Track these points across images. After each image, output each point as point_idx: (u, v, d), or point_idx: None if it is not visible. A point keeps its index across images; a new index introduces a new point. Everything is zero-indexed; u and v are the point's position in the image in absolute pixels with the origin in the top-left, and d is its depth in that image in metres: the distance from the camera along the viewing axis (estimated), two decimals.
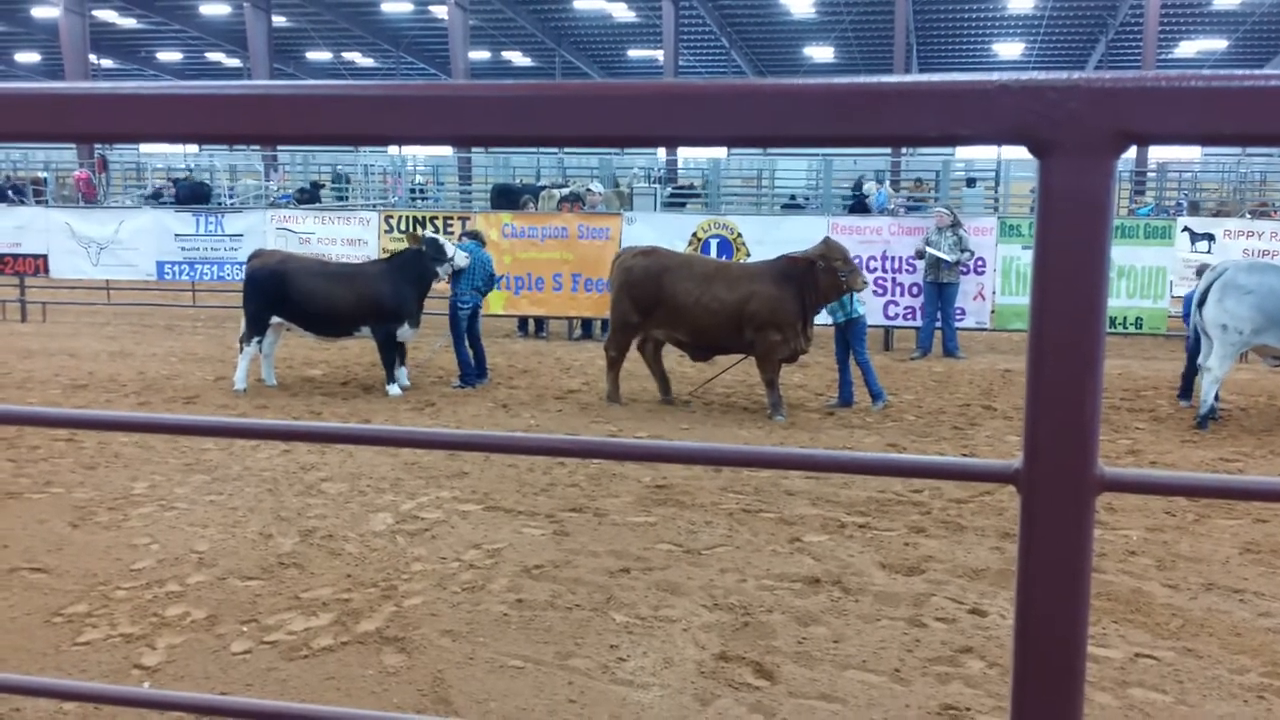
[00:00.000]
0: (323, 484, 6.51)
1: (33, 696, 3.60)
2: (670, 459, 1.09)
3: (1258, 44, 34.68)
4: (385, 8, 35.11)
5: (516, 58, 41.59)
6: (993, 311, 12.35)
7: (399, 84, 0.88)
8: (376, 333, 9.36)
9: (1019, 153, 0.86)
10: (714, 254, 12.58)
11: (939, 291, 11.80)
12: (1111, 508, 6.02)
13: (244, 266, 10.01)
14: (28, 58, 43.88)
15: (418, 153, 32.36)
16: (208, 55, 42.73)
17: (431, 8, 33.92)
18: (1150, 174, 27.73)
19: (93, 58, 32.85)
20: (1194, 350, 8.78)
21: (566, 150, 26.02)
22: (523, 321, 13.45)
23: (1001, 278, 12.31)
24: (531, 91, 0.84)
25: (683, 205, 21.33)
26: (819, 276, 8.38)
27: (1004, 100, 0.78)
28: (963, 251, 11.67)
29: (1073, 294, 0.80)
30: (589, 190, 15.29)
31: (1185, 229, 13.31)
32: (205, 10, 35.15)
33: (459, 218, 13.40)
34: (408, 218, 13.98)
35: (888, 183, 23.72)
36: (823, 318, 8.99)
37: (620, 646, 4.29)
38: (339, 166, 29.39)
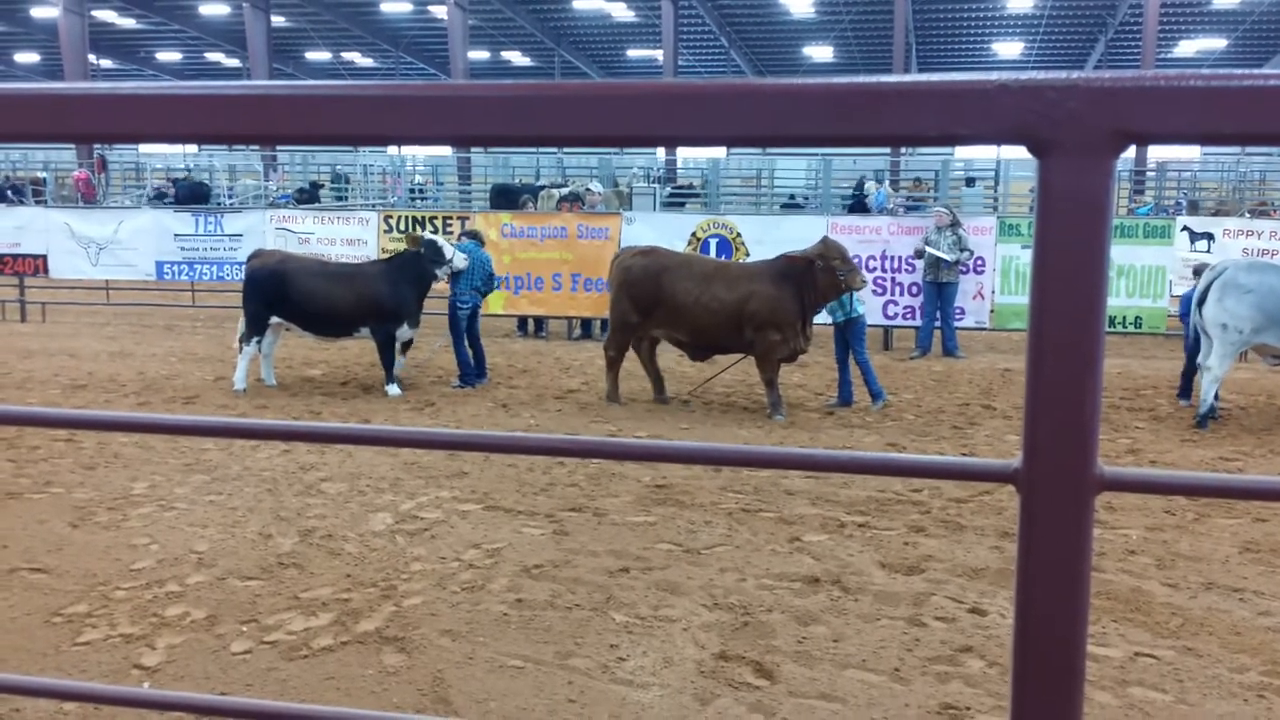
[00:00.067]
0: (322, 484, 6.51)
1: (33, 697, 3.60)
2: (670, 459, 1.09)
3: (1257, 43, 34.68)
4: (385, 8, 35.11)
5: (516, 58, 41.59)
6: (992, 311, 12.36)
7: (398, 84, 0.88)
8: (376, 333, 9.36)
9: (1018, 152, 0.86)
10: (713, 254, 12.58)
11: (938, 291, 11.80)
12: (1111, 507, 6.02)
13: (244, 267, 10.01)
14: (27, 58, 43.87)
15: (417, 153, 32.36)
16: (207, 55, 42.72)
17: (431, 8, 33.92)
18: (1150, 173, 27.73)
19: (92, 58, 32.85)
20: (1193, 350, 8.79)
21: (566, 150, 26.01)
22: (522, 321, 13.45)
23: (1001, 277, 12.31)
24: (531, 91, 0.84)
25: (682, 205, 21.34)
26: (818, 276, 8.38)
27: (1003, 100, 0.78)
28: (962, 251, 11.67)
29: (1072, 293, 0.81)
30: (588, 190, 15.30)
31: (1184, 228, 13.32)
32: (204, 10, 35.14)
33: (458, 218, 13.40)
34: (407, 218, 13.98)
35: (887, 182, 23.73)
36: (823, 317, 9.00)
37: (620, 646, 4.29)
38: (338, 166, 29.39)
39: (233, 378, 9.48)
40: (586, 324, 13.04)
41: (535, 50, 40.15)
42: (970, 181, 24.53)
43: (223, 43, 39.18)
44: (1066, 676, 0.85)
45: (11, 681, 1.52)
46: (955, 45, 37.43)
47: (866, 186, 22.63)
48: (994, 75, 0.78)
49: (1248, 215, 17.28)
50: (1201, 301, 8.19)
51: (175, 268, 15.00)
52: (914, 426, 8.37)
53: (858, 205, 20.86)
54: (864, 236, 12.16)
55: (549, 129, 0.84)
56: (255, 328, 9.32)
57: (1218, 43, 34.57)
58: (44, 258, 15.28)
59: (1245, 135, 0.77)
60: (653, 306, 8.78)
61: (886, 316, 12.24)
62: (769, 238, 12.20)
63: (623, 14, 34.60)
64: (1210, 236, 13.34)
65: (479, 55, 39.29)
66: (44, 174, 27.55)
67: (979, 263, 12.10)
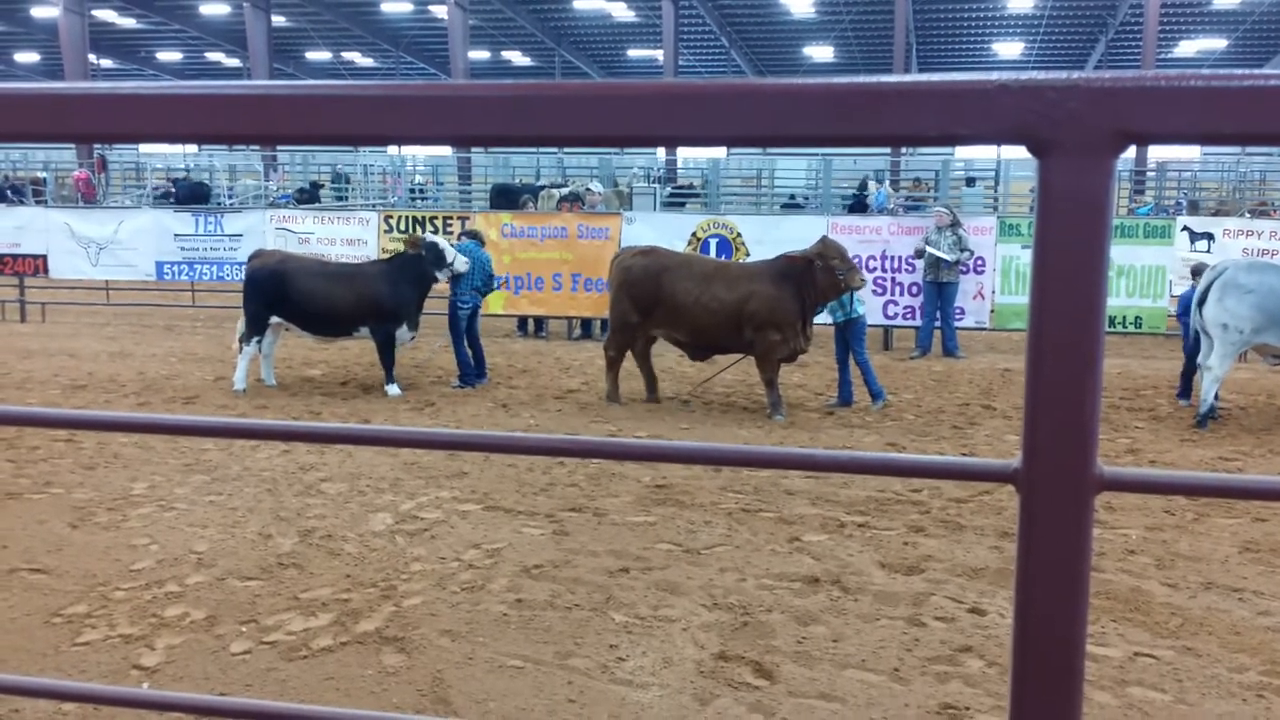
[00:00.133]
0: (322, 484, 6.51)
1: (32, 697, 3.60)
2: (670, 459, 1.09)
3: (1257, 43, 34.69)
4: (385, 7, 35.11)
5: (516, 57, 41.58)
6: (992, 311, 12.36)
7: (399, 84, 0.88)
8: (375, 333, 9.36)
9: (1018, 152, 0.86)
10: (713, 254, 12.58)
11: (938, 291, 11.80)
12: (1111, 507, 6.02)
13: (244, 267, 10.01)
14: (27, 58, 43.87)
15: (417, 152, 32.36)
16: (207, 55, 42.72)
17: (431, 7, 33.92)
18: (1150, 173, 27.74)
19: (92, 58, 32.85)
20: (1192, 350, 8.79)
21: (566, 150, 26.01)
22: (522, 321, 13.45)
23: (1001, 277, 12.31)
24: (531, 91, 0.84)
25: (682, 205, 21.34)
26: (817, 275, 8.38)
27: (1003, 100, 0.78)
28: (962, 251, 11.67)
29: (1072, 293, 0.81)
30: (588, 190, 15.30)
31: (1185, 228, 13.32)
32: (205, 10, 35.14)
33: (458, 218, 13.40)
34: (407, 218, 13.98)
35: (887, 182, 23.72)
36: (823, 317, 9.00)
37: (620, 646, 4.29)
38: (338, 166, 29.38)
39: (233, 378, 9.48)
40: (586, 324, 13.04)
41: (535, 50, 40.15)
42: (970, 181, 24.52)
43: (223, 43, 39.18)
44: (1066, 676, 0.85)
45: (11, 682, 1.52)
46: (955, 45, 37.43)
47: (870, 187, 22.62)
48: (994, 75, 0.78)
49: (1248, 215, 17.29)
50: (1202, 302, 8.20)
51: (175, 268, 15.00)
52: (914, 426, 8.37)
53: (858, 205, 20.86)
54: (864, 236, 12.16)
55: (549, 129, 0.84)
56: (255, 328, 9.32)
57: (1218, 43, 34.57)
58: (44, 258, 15.28)
59: (1245, 135, 0.77)
60: (653, 306, 8.79)
61: (886, 316, 12.24)
62: (769, 238, 12.20)
63: (623, 14, 34.60)
64: (1210, 236, 13.35)
65: (479, 55, 39.29)
66: (44, 174, 27.55)
67: (979, 263, 12.10)
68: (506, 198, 18.02)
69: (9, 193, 23.03)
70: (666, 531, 5.68)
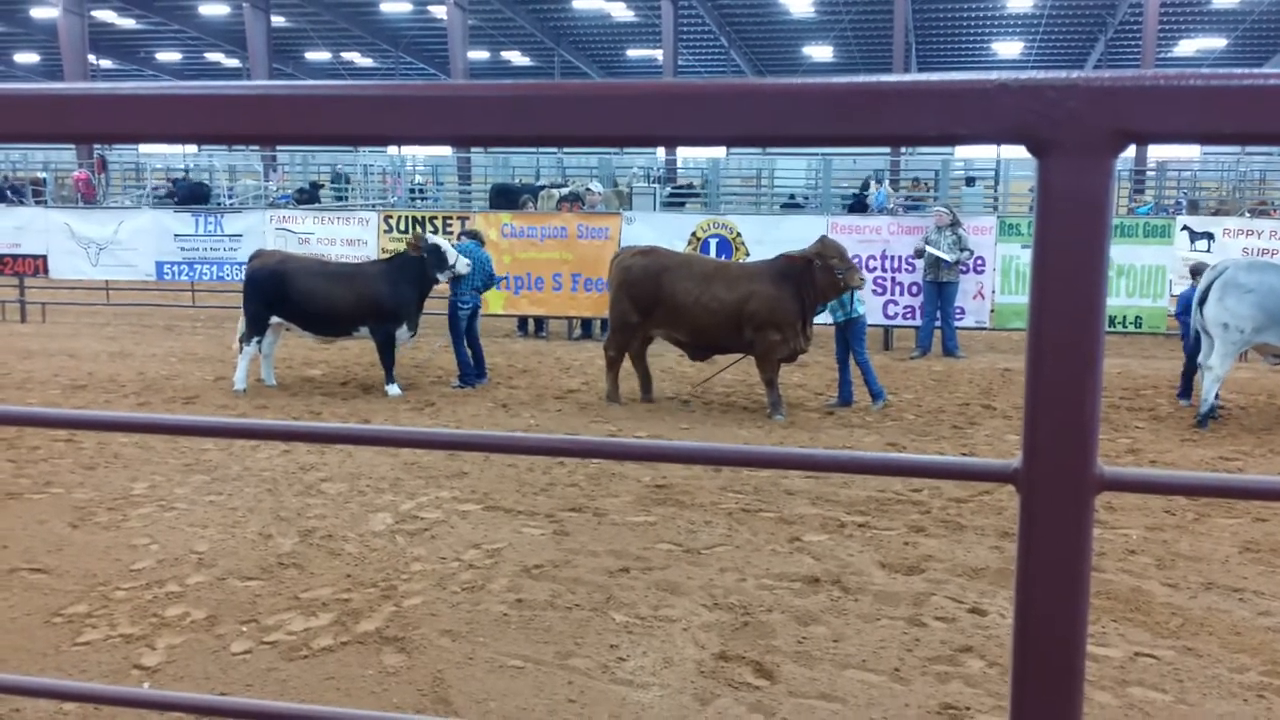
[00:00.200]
0: (322, 484, 6.51)
1: (33, 697, 3.60)
2: (670, 459, 1.09)
3: (1257, 42, 34.69)
4: (384, 8, 35.11)
5: (515, 57, 41.58)
6: (992, 311, 12.36)
7: (398, 84, 0.88)
8: (375, 333, 9.36)
9: (1018, 152, 0.86)
10: (713, 254, 12.58)
11: (938, 291, 11.80)
12: (1111, 507, 6.02)
13: (243, 267, 10.02)
14: (27, 58, 43.87)
15: (417, 153, 32.36)
16: (207, 55, 42.72)
17: (430, 8, 33.92)
18: (1149, 173, 27.73)
19: (92, 58, 32.84)
20: (1193, 350, 8.79)
21: (566, 150, 26.01)
22: (522, 321, 13.45)
23: (1001, 277, 12.31)
24: (531, 91, 0.84)
25: (682, 205, 21.35)
26: (816, 275, 8.39)
27: (1003, 100, 0.78)
28: (962, 250, 11.67)
29: (1072, 293, 0.81)
30: (588, 190, 15.30)
31: (1184, 228, 13.32)
32: (204, 10, 35.14)
33: (458, 218, 13.40)
34: (407, 218, 13.98)
35: (886, 182, 23.73)
36: (824, 317, 9.00)
37: (620, 646, 4.29)
38: (338, 166, 29.38)
39: (233, 378, 9.48)
40: (586, 324, 13.04)
41: (535, 50, 40.15)
42: (970, 181, 24.53)
43: (223, 43, 39.18)
44: (1066, 676, 0.85)
45: (11, 682, 1.52)
46: (955, 45, 37.43)
47: (871, 187, 22.61)
48: (994, 75, 0.78)
49: (1248, 215, 17.28)
50: (1202, 301, 8.20)
51: (175, 268, 15.01)
52: (914, 426, 8.37)
53: (858, 205, 20.86)
54: (864, 236, 12.16)
55: (549, 129, 0.84)
56: (255, 328, 9.32)
57: (1218, 42, 34.57)
58: (44, 258, 15.28)
59: (1245, 135, 0.77)
60: (652, 306, 8.79)
61: (886, 316, 12.24)
62: (769, 238, 12.21)
63: (622, 14, 34.60)
64: (1210, 236, 13.35)
65: (479, 55, 39.29)
66: (44, 174, 27.56)
67: (979, 262, 12.10)
68: (506, 198, 18.02)
69: (9, 193, 23.03)
70: (667, 531, 5.68)
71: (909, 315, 12.21)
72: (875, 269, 12.04)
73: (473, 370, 9.87)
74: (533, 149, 27.36)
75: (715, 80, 0.83)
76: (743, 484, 6.54)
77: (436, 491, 6.38)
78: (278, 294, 9.21)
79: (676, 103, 0.83)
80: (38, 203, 21.77)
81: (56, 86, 0.93)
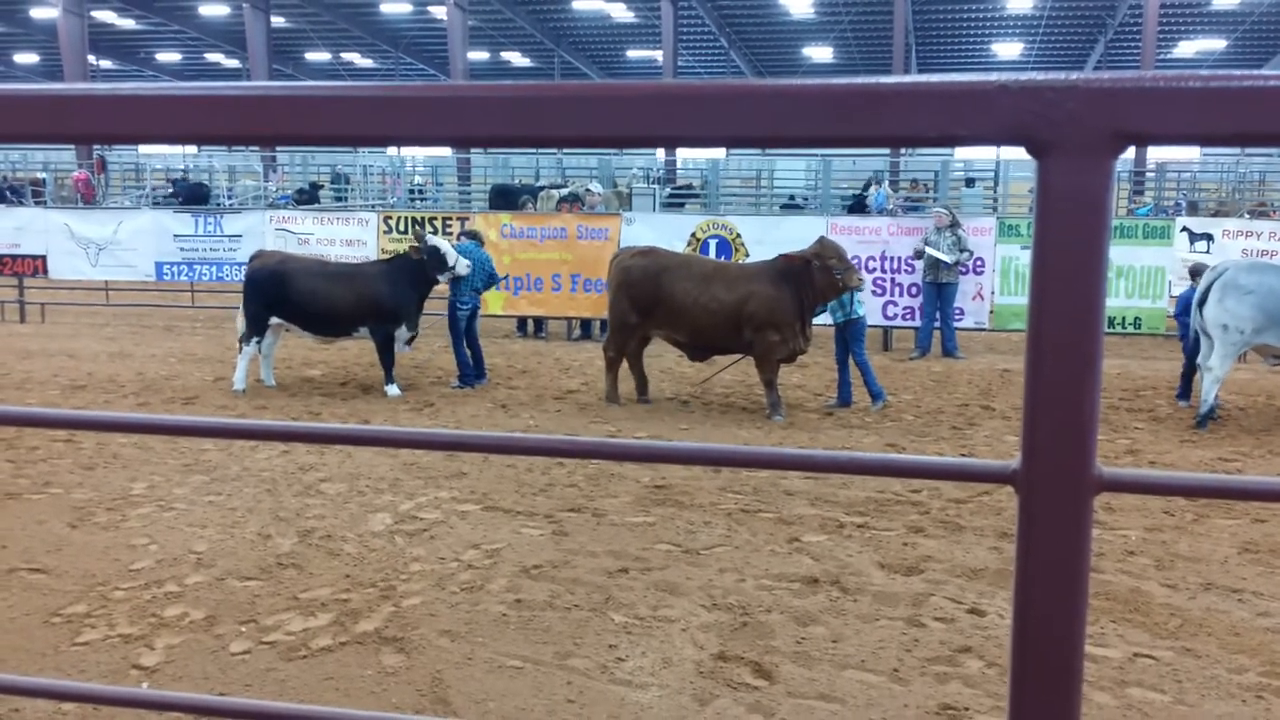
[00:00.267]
0: (321, 484, 6.51)
1: (31, 697, 3.60)
2: (669, 459, 1.09)
3: (1256, 44, 34.70)
4: (384, 8, 35.10)
5: (515, 58, 41.58)
6: (991, 311, 12.36)
7: (398, 85, 0.88)
8: (375, 333, 9.36)
9: (1018, 153, 0.86)
10: (713, 254, 12.58)
11: (938, 291, 11.80)
12: (1110, 507, 6.02)
13: (243, 267, 10.02)
14: (26, 59, 43.85)
15: (416, 153, 32.35)
16: (207, 56, 42.71)
17: (430, 8, 33.91)
18: (1149, 174, 27.74)
19: (91, 59, 32.83)
20: (1192, 350, 8.79)
21: (565, 151, 26.02)
22: (521, 322, 13.45)
23: (1000, 278, 12.31)
24: (530, 92, 0.84)
25: (681, 206, 21.33)
26: (815, 275, 8.39)
27: (1002, 101, 0.78)
28: (961, 251, 11.68)
29: (1071, 294, 0.81)
30: (588, 191, 15.31)
31: (1184, 229, 13.32)
32: (204, 11, 35.13)
33: (458, 218, 13.40)
34: (407, 218, 13.98)
35: (886, 183, 23.72)
36: (824, 318, 9.00)
37: (619, 646, 4.29)
38: (338, 167, 29.37)
39: (232, 378, 9.48)
40: (586, 325, 13.04)
41: (535, 51, 40.15)
42: (970, 182, 24.52)
43: (222, 43, 39.17)
44: (1065, 677, 0.85)
45: (10, 682, 1.52)
46: (955, 46, 37.43)
47: (872, 188, 22.59)
48: (993, 76, 0.78)
49: (1247, 216, 17.28)
50: (1202, 302, 8.20)
51: (175, 268, 15.00)
52: (913, 427, 8.37)
53: (857, 206, 20.85)
54: (863, 237, 12.16)
55: (549, 130, 0.84)
56: (255, 328, 9.32)
57: (1217, 43, 34.58)
58: (43, 258, 15.27)
59: (1244, 136, 0.77)
60: (652, 307, 8.79)
61: (886, 317, 12.24)
62: (769, 238, 12.20)
63: (622, 15, 34.60)
64: (1210, 237, 13.35)
65: (478, 56, 39.29)
66: (43, 175, 27.55)
67: (978, 263, 12.10)
68: (505, 198, 18.02)
69: (8, 193, 23.01)
70: (666, 532, 5.68)
71: (908, 316, 12.21)
72: (875, 270, 12.05)
73: (472, 371, 9.88)
74: (532, 150, 27.37)
75: (715, 81, 0.83)
76: (742, 485, 6.54)
77: (435, 492, 6.38)
78: (278, 294, 9.22)
79: (676, 104, 0.83)
80: (37, 203, 21.76)
81: (56, 87, 0.93)
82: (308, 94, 0.88)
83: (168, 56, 43.47)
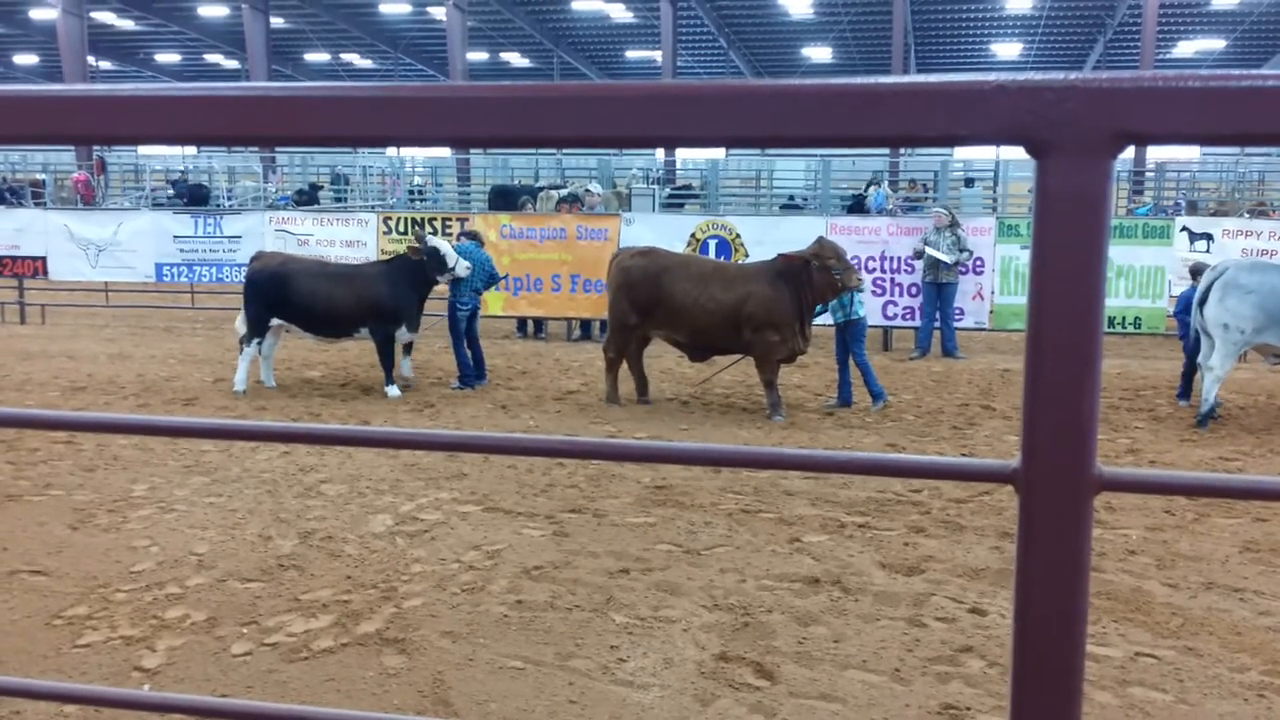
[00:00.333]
0: (322, 486, 6.51)
1: (33, 699, 3.60)
2: (669, 460, 1.09)
3: (1256, 44, 34.70)
4: (383, 9, 35.12)
5: (515, 59, 41.59)
6: (991, 311, 12.36)
7: (397, 85, 0.88)
8: (375, 334, 9.36)
9: (1017, 153, 0.86)
10: (713, 255, 12.57)
11: (938, 291, 11.80)
12: (1111, 507, 6.02)
13: (243, 268, 10.02)
14: (26, 59, 43.87)
15: (416, 154, 32.36)
16: (206, 57, 42.72)
17: (430, 9, 33.92)
18: (1149, 174, 27.74)
19: (91, 59, 32.83)
20: (1193, 350, 8.79)
21: (565, 151, 26.02)
22: (521, 322, 13.45)
23: (1000, 278, 12.31)
24: (530, 93, 0.85)
25: (681, 206, 21.34)
26: (814, 275, 8.39)
27: (1001, 101, 0.78)
28: (961, 251, 11.68)
29: (1071, 294, 0.81)
30: (587, 191, 15.30)
31: (1184, 229, 13.32)
32: (203, 12, 35.14)
33: (457, 219, 13.40)
34: (406, 219, 13.98)
35: (885, 183, 23.73)
36: (825, 318, 9.00)
37: (620, 647, 4.29)
38: (337, 168, 29.38)
39: (233, 379, 9.48)
40: (586, 325, 13.04)
41: (534, 51, 40.16)
42: (969, 182, 24.52)
43: (222, 44, 39.18)
44: (1065, 676, 0.85)
45: (12, 684, 1.52)
46: (954, 46, 37.44)
47: (871, 189, 22.60)
48: (992, 76, 0.78)
49: (1247, 215, 17.28)
50: (1203, 302, 8.20)
51: (174, 269, 14.99)
52: (913, 427, 8.37)
53: (857, 206, 20.86)
54: (863, 237, 12.16)
55: (548, 130, 0.84)
56: (256, 330, 9.33)
57: (1217, 43, 34.58)
58: (43, 259, 15.26)
59: (1243, 135, 0.77)
60: (651, 307, 8.79)
61: (886, 317, 12.24)
62: (768, 239, 12.20)
63: (621, 15, 34.61)
64: (1209, 237, 13.34)
65: (478, 56, 39.30)
66: (43, 176, 27.55)
67: (978, 263, 12.10)
68: (505, 199, 18.02)
69: (8, 195, 23.02)
70: (666, 532, 5.68)
71: (908, 316, 12.21)
72: (874, 270, 12.04)
73: (472, 372, 9.88)
74: (532, 150, 27.38)
75: (714, 81, 0.83)
76: (742, 485, 6.54)
77: (436, 493, 6.38)
78: (278, 296, 9.22)
79: (676, 103, 0.83)
80: (37, 204, 21.75)
81: (56, 88, 0.93)
82: (307, 94, 0.88)
83: (167, 57, 43.49)
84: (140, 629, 4.42)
